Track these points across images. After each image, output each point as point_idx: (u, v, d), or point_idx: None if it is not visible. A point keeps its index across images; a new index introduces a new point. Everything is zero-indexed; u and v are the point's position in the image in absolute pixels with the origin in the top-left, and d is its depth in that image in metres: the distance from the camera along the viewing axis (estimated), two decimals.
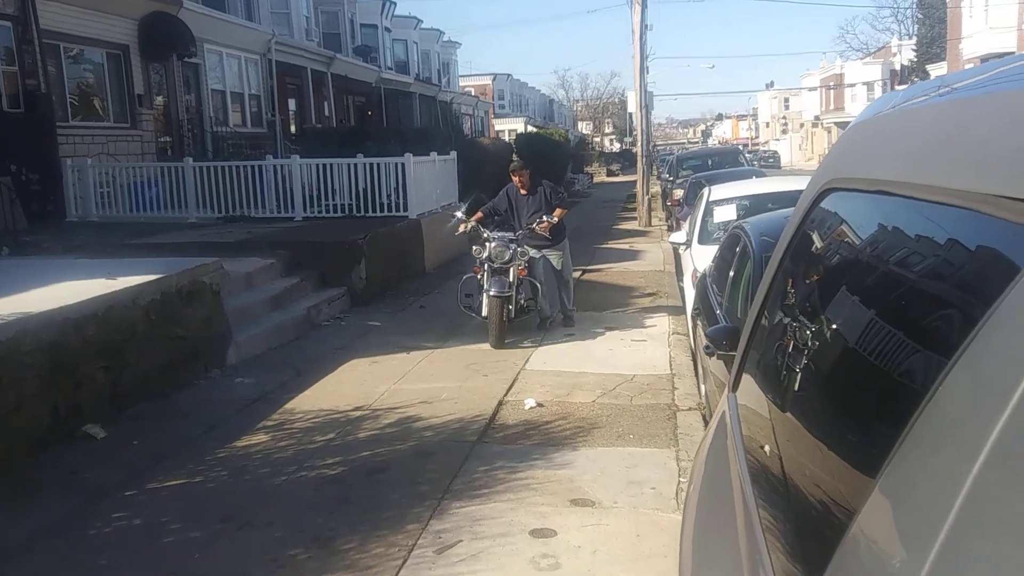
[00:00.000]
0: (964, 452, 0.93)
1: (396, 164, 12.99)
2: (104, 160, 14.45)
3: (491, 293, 8.15)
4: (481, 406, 6.40)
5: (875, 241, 1.62)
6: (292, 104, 24.68)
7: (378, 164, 13.04)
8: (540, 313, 9.04)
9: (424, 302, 10.95)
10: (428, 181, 14.09)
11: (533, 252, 8.93)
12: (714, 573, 1.92)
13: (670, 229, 17.64)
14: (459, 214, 9.06)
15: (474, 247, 8.61)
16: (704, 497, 2.33)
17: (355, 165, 13.02)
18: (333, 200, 13.20)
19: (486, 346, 8.29)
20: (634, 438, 5.69)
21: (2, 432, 5.13)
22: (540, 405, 6.41)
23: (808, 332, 1.82)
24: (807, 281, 2.04)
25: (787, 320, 2.10)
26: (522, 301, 8.65)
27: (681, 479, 4.92)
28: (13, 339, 5.33)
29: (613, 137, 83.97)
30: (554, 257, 9.02)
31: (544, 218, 8.61)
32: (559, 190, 9.44)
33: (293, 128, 23.98)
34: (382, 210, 12.94)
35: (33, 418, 5.43)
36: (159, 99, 18.02)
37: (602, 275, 13.05)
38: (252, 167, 13.31)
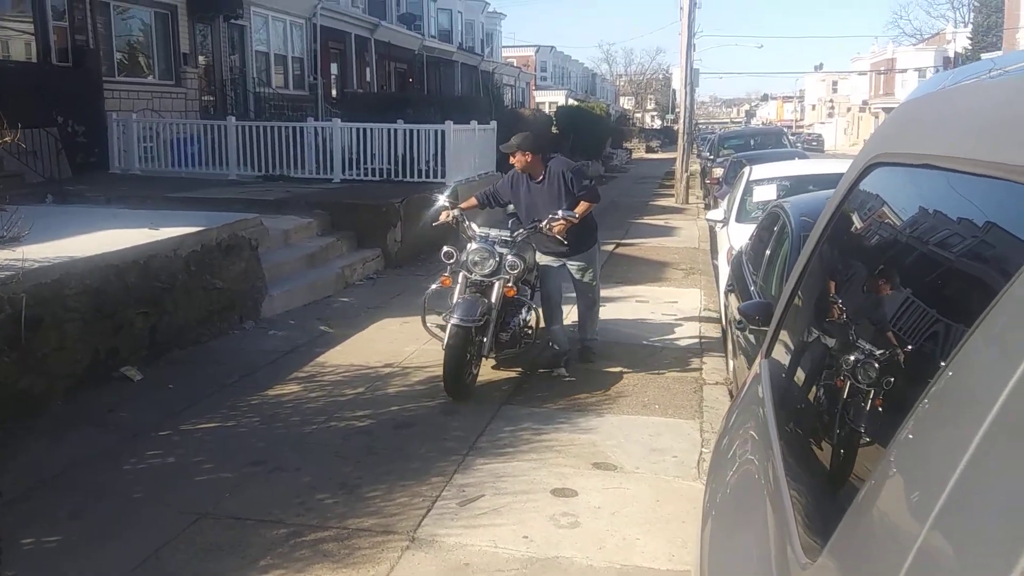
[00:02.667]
0: (969, 422, 0.97)
1: (436, 131, 13.04)
2: (148, 116, 14.67)
3: (452, 320, 5.69)
4: (509, 369, 6.45)
5: (919, 216, 1.65)
6: (334, 68, 24.77)
7: (417, 131, 13.11)
8: (552, 348, 6.61)
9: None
10: (467, 150, 14.12)
11: (548, 259, 6.53)
12: (740, 536, 1.95)
13: (707, 207, 17.52)
14: (442, 198, 6.44)
15: (444, 250, 6.18)
16: (730, 457, 2.35)
17: (395, 131, 13.10)
18: (371, 164, 13.30)
19: None
20: (659, 408, 5.72)
21: (43, 370, 5.30)
22: (568, 371, 6.44)
23: (842, 304, 1.87)
24: (848, 255, 2.07)
25: (824, 291, 2.14)
26: (509, 332, 6.18)
27: (704, 449, 4.96)
28: (58, 281, 5.49)
29: (655, 114, 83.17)
30: (575, 268, 6.54)
31: (560, 214, 6.07)
32: (583, 175, 6.61)
33: (334, 92, 24.09)
34: (419, 176, 13.00)
35: (73, 358, 5.59)
36: (204, 59, 18.20)
37: (636, 249, 13.02)
38: (293, 128, 13.42)
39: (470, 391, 5.80)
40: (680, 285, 10.18)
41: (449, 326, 5.71)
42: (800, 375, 2.07)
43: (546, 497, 4.27)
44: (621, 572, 3.62)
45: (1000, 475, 0.91)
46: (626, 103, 77.21)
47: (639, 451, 4.93)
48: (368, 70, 26.66)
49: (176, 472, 4.52)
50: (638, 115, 75.50)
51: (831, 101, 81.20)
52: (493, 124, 15.84)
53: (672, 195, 22.37)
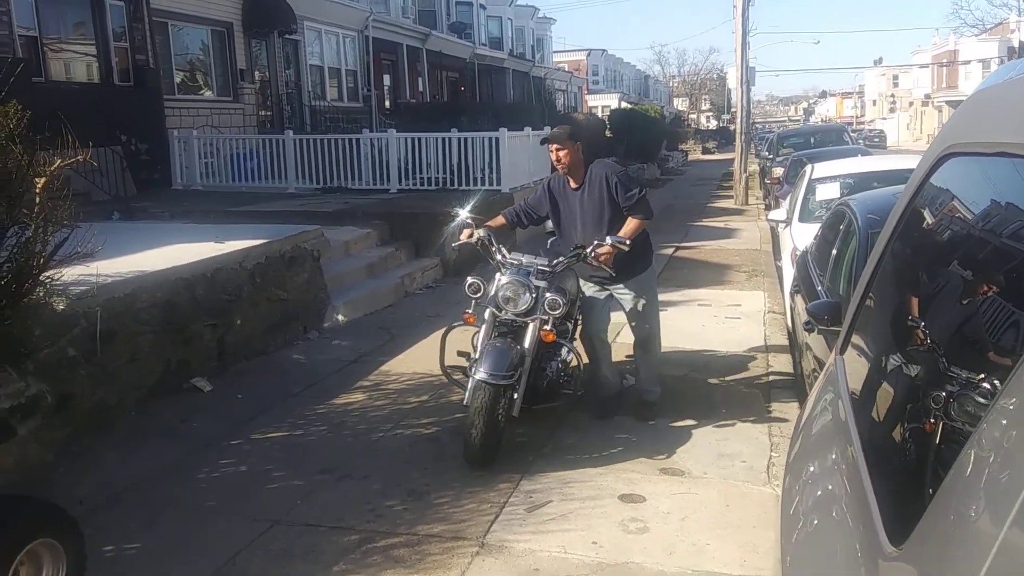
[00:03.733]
0: None
1: (490, 139, 13.09)
2: (208, 132, 15.02)
3: (478, 375, 4.57)
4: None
5: (996, 207, 1.61)
6: (387, 79, 25.09)
7: (471, 139, 13.17)
8: (601, 399, 5.63)
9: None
10: (521, 156, 14.14)
11: (592, 289, 5.52)
12: (822, 537, 1.93)
13: (767, 208, 17.26)
14: (464, 212, 5.42)
15: (469, 281, 5.14)
16: (808, 459, 2.32)
17: (449, 139, 13.18)
18: (427, 173, 13.41)
19: None
20: (726, 412, 5.63)
21: (117, 382, 5.44)
22: (632, 376, 6.38)
23: (920, 303, 1.84)
24: (923, 245, 2.03)
25: (899, 287, 2.10)
26: (546, 380, 5.10)
27: (772, 454, 4.87)
28: (130, 295, 5.64)
29: (710, 114, 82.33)
30: (626, 298, 5.47)
31: (609, 240, 4.95)
32: (632, 181, 5.36)
33: (387, 103, 24.39)
34: (475, 184, 13.04)
35: (146, 370, 5.73)
36: (259, 74, 18.59)
37: (696, 252, 12.89)
38: (349, 140, 13.61)
39: (491, 458, 4.67)
40: (743, 288, 10.04)
41: (474, 380, 4.62)
42: (877, 374, 2.05)
43: (614, 503, 4.24)
44: None
45: None
46: (680, 104, 76.62)
47: (707, 456, 4.86)
48: (420, 80, 26.94)
49: (248, 480, 4.60)
50: (693, 116, 74.95)
51: (892, 96, 79.50)
52: (547, 130, 15.81)
53: (731, 196, 22.13)
